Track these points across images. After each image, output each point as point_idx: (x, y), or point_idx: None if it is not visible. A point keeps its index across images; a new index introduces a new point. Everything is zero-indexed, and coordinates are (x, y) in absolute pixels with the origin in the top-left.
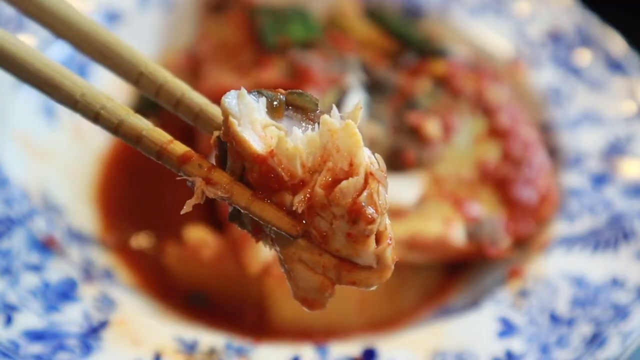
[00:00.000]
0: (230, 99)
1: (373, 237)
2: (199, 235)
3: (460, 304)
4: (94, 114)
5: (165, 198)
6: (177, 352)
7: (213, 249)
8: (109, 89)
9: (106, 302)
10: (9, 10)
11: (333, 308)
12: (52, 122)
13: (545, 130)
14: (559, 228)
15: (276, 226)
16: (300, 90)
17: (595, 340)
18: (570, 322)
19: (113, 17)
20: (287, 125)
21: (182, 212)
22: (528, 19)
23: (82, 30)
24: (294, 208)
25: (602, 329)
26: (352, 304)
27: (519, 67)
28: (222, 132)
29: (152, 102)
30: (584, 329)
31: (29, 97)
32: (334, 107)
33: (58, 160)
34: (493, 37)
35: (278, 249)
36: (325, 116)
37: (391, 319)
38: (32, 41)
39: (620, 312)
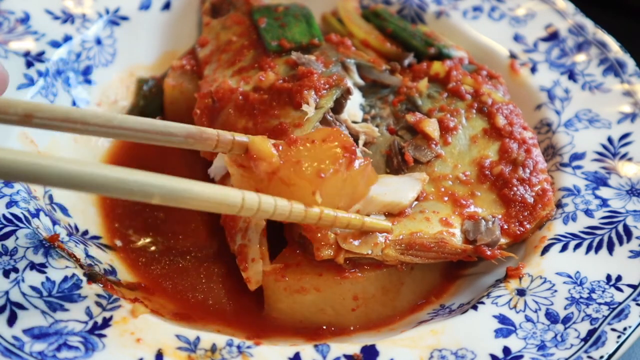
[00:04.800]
0: None
1: None
2: (264, 147)
3: (458, 303)
4: None
5: None
6: (179, 350)
7: (272, 165)
8: (110, 89)
9: (109, 301)
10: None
11: (327, 303)
12: None
13: (542, 130)
14: (555, 227)
15: None
16: None
17: (591, 337)
18: (566, 320)
19: (115, 20)
20: None
21: None
22: (525, 21)
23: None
24: None
25: (597, 327)
26: (347, 301)
27: (516, 68)
28: None
29: (154, 105)
30: (580, 327)
31: (33, 98)
32: None
33: None
34: (491, 39)
35: None
36: None
37: (389, 318)
38: (31, 45)
39: (615, 310)
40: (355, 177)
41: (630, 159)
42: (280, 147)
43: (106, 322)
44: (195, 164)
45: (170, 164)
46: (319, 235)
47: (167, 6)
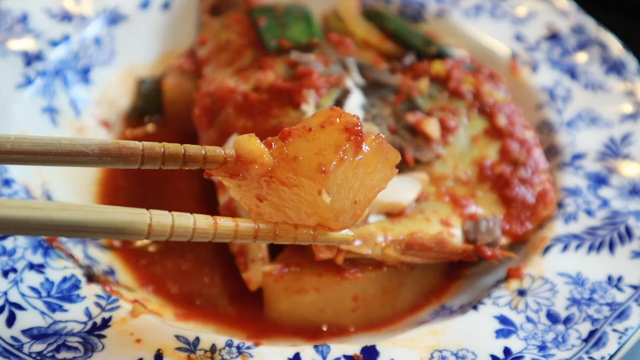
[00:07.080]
0: None
1: None
2: (251, 146)
3: (458, 303)
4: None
5: (166, 198)
6: (178, 351)
7: (265, 166)
8: (109, 89)
9: (108, 301)
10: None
11: (327, 304)
12: (53, 122)
13: (543, 130)
14: (557, 228)
15: None
16: None
17: (592, 338)
18: (567, 321)
19: (114, 19)
20: None
21: None
22: (526, 20)
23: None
24: None
25: (598, 327)
26: (347, 302)
27: (517, 68)
28: None
29: (153, 105)
30: (581, 328)
31: (32, 97)
32: None
33: None
34: (492, 38)
35: None
36: None
37: (389, 319)
38: (31, 44)
39: (617, 311)
40: (369, 160)
41: (632, 159)
42: (274, 144)
43: (105, 323)
44: (196, 172)
45: (171, 173)
46: None
47: (166, 5)
